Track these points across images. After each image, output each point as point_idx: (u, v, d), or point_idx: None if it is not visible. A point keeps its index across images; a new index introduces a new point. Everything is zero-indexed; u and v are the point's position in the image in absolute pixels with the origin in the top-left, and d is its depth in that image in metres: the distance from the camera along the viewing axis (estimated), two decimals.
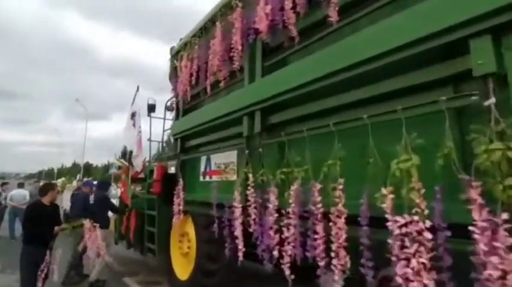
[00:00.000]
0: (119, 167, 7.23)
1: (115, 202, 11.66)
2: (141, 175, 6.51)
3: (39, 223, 3.87)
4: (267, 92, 2.68)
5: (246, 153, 2.88)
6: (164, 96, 6.14)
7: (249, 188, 2.64)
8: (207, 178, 3.87)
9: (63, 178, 15.80)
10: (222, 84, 3.47)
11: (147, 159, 6.54)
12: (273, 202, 2.37)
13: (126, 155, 6.61)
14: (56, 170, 72.00)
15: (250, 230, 2.56)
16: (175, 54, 4.70)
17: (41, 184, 9.17)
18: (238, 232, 2.70)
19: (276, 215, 2.34)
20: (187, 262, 5.04)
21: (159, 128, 6.51)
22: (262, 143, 2.73)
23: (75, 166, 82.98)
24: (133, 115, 6.55)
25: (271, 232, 2.34)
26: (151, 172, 6.02)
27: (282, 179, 2.36)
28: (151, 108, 6.78)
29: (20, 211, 9.64)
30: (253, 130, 2.86)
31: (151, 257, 5.95)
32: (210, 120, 3.51)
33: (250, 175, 2.67)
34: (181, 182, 4.14)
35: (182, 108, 4.49)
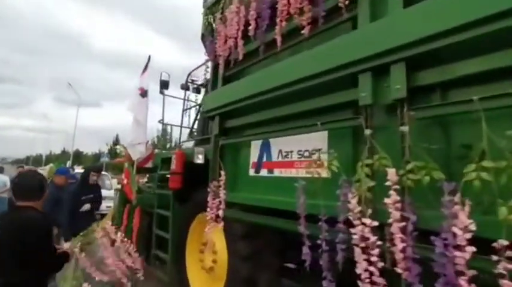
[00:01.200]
0: (114, 155, 5.97)
1: (112, 194, 10.41)
2: (148, 164, 5.29)
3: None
4: (418, 30, 1.53)
5: (367, 134, 1.71)
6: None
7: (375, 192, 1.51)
8: (263, 172, 2.69)
9: (51, 164, 14.45)
10: (304, 31, 2.28)
11: (149, 144, 5.32)
12: (462, 222, 1.22)
13: (119, 142, 5.41)
14: (44, 157, 69.75)
15: (398, 270, 1.40)
16: (214, 4, 3.48)
17: (26, 169, 7.88)
18: (361, 267, 1.53)
19: (469, 249, 1.20)
20: (211, 279, 3.88)
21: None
22: (410, 117, 1.56)
23: (64, 153, 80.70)
24: (144, 93, 5.31)
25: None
26: (165, 161, 4.82)
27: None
28: (164, 84, 5.57)
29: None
30: (384, 95, 1.70)
31: (158, 267, 4.76)
32: (281, 86, 2.33)
33: (391, 171, 1.50)
34: (223, 175, 2.94)
35: (222, 75, 3.28)
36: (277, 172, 2.55)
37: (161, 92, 5.60)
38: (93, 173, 5.60)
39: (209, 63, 3.74)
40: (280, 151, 2.54)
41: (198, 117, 5.23)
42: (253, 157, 2.83)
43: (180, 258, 4.38)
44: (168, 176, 4.30)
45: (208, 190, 3.09)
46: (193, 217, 4.33)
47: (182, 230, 4.40)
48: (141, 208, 5.10)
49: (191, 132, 5.67)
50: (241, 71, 3.07)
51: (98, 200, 5.65)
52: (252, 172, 2.83)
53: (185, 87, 6.10)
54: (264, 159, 2.69)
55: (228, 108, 3.00)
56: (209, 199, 3.02)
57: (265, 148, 2.69)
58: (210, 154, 3.23)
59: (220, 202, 2.93)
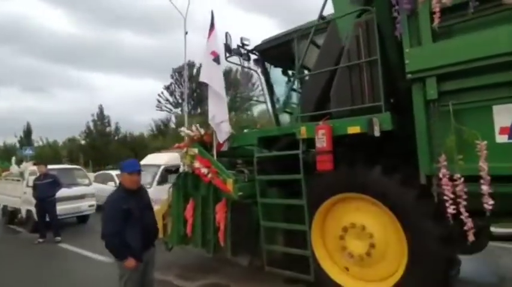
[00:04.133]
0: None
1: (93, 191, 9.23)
2: (224, 147, 4.38)
3: None
4: None
5: None
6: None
7: None
8: None
9: None
10: None
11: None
12: None
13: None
14: None
15: None
16: None
17: None
18: None
19: None
20: (366, 265, 3.48)
21: None
22: None
23: None
24: (217, 58, 4.23)
25: None
26: (265, 140, 4.02)
27: None
28: (228, 49, 4.60)
29: None
30: None
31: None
32: None
33: None
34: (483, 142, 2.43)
35: (431, 29, 2.68)
36: None
37: (226, 59, 4.58)
38: None
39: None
40: None
41: (298, 87, 4.43)
42: (501, 122, 2.44)
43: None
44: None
45: (423, 169, 2.61)
46: (321, 203, 3.76)
47: (304, 219, 3.79)
48: (226, 201, 4.21)
49: (274, 107, 4.86)
50: (466, 24, 2.54)
51: None
52: (502, 139, 2.45)
53: (238, 53, 5.13)
54: None
55: (453, 69, 2.50)
56: (442, 174, 2.53)
57: None
58: (387, 123, 2.71)
59: (454, 178, 2.49)
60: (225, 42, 4.67)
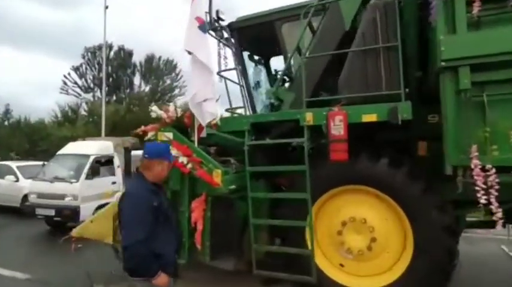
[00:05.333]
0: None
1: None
2: (203, 133, 3.77)
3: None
4: None
5: None
6: None
7: None
8: None
9: None
10: None
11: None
12: None
13: None
14: None
15: None
16: None
17: None
18: None
19: None
20: (367, 259, 3.39)
21: None
22: None
23: None
24: (203, 25, 3.54)
25: None
26: (258, 126, 3.55)
27: None
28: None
29: None
30: None
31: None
32: None
33: None
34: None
35: (466, 18, 2.62)
36: None
37: (214, 29, 3.91)
38: None
39: None
40: None
41: (296, 75, 3.98)
42: None
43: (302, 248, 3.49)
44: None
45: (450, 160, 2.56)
46: (318, 197, 3.48)
47: (300, 215, 3.48)
48: (206, 196, 3.59)
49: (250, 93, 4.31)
50: (503, 16, 2.56)
51: None
52: None
53: (213, 28, 4.47)
54: None
55: (487, 60, 2.50)
56: (473, 165, 2.51)
57: None
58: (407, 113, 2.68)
59: (486, 168, 2.50)
60: (207, 10, 3.98)
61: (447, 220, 3.08)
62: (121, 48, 30.76)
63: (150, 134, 3.84)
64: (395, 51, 3.01)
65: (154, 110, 3.61)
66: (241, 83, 4.76)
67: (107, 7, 18.26)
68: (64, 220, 6.60)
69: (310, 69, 3.67)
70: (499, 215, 2.46)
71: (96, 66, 30.07)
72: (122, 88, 32.24)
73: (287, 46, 4.47)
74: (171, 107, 3.59)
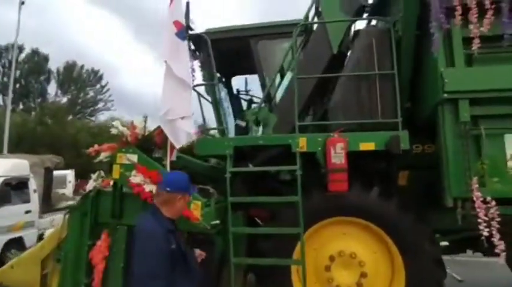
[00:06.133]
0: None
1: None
2: (173, 157, 3.21)
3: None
4: None
5: None
6: None
7: None
8: None
9: None
10: None
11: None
12: None
13: None
14: None
15: None
16: None
17: None
18: None
19: None
20: None
21: None
22: None
23: None
24: (182, 31, 3.04)
25: None
26: (245, 150, 3.14)
27: None
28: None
29: None
30: None
31: None
32: None
33: None
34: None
35: (463, 54, 2.70)
36: None
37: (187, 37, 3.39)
38: None
39: None
40: None
41: (282, 92, 3.62)
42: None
43: None
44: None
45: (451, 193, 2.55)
46: (306, 230, 3.16)
47: (285, 252, 3.11)
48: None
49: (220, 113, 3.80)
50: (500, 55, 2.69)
51: None
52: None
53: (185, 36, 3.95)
54: None
55: (485, 95, 2.60)
56: (475, 197, 2.50)
57: None
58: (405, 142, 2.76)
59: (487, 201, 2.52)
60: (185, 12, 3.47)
61: (438, 251, 3.04)
62: (35, 52, 26.93)
63: (103, 155, 3.08)
64: (391, 79, 2.97)
65: (116, 125, 2.89)
66: (213, 100, 4.27)
67: (22, 3, 15.89)
68: None
69: (298, 91, 3.43)
70: (502, 247, 2.46)
71: (0, 69, 25.68)
72: (32, 96, 28.00)
73: (263, 65, 4.19)
74: (140, 122, 2.92)
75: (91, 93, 30.44)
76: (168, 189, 2.00)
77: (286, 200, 2.99)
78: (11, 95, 15.45)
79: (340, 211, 3.14)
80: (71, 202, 7.45)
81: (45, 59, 27.89)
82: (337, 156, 2.77)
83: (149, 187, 2.85)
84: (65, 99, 28.93)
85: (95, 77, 30.38)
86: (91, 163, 3.43)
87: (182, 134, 2.94)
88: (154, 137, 2.96)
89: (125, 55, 51.66)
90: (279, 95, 3.89)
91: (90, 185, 3.26)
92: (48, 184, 6.56)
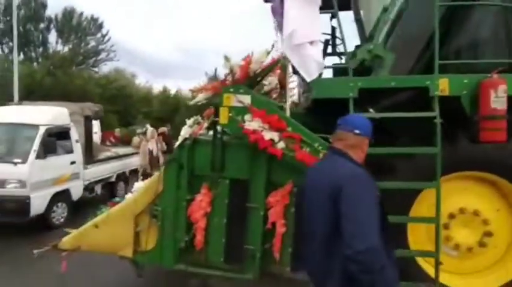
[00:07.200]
0: None
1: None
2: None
3: None
4: None
5: None
6: None
7: None
8: None
9: None
10: None
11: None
12: None
13: None
14: None
15: None
16: None
17: None
18: None
19: None
20: (476, 261, 2.97)
21: None
22: None
23: None
24: None
25: None
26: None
27: None
28: None
29: None
30: None
31: None
32: None
33: None
34: None
35: None
36: None
37: None
38: None
39: None
40: None
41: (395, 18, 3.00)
42: None
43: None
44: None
45: None
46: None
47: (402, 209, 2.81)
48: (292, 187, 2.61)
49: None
50: None
51: None
52: None
53: None
54: None
55: None
56: None
57: None
58: None
59: None
60: None
61: None
62: None
63: (201, 96, 2.63)
64: None
65: (228, 58, 2.37)
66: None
67: None
68: (7, 217, 4.67)
69: (416, 27, 2.87)
70: None
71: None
72: (33, 46, 26.48)
73: None
74: (262, 54, 2.39)
75: (92, 43, 28.79)
76: (357, 131, 1.72)
77: (426, 151, 2.59)
78: (16, 42, 14.39)
79: (476, 165, 2.76)
80: (109, 153, 7.16)
81: (43, 5, 25.89)
82: (499, 100, 2.32)
83: (269, 135, 2.44)
84: (66, 49, 27.43)
85: (95, 25, 28.51)
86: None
87: (313, 64, 2.41)
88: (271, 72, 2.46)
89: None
90: (383, 31, 3.31)
91: (186, 131, 2.85)
92: (89, 133, 6.16)
